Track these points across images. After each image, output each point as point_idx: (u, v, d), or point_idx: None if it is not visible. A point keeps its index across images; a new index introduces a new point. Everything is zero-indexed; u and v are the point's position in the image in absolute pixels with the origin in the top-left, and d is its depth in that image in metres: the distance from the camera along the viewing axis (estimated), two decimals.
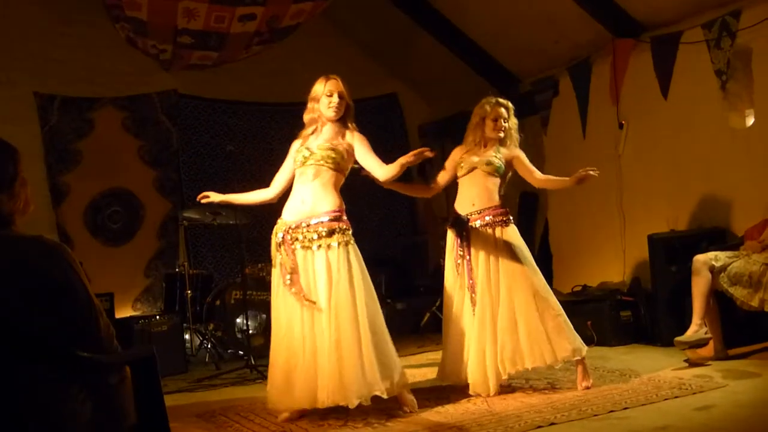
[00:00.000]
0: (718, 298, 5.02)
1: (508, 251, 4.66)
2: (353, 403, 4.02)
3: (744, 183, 5.78)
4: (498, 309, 4.58)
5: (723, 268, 4.93)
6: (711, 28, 5.85)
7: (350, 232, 4.30)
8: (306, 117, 4.51)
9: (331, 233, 4.20)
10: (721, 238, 5.79)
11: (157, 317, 6.45)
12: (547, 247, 7.78)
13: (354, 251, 4.27)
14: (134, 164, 8.04)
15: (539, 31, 7.20)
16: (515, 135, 4.93)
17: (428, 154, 4.01)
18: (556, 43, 7.22)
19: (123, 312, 7.30)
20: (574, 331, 4.61)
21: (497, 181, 4.79)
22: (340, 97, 4.40)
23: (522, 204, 7.86)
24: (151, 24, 6.37)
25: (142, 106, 8.06)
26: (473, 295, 4.65)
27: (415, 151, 4.07)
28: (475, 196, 4.76)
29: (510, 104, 4.93)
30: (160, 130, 8.15)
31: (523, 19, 7.22)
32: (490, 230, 4.68)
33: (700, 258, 5.02)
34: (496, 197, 4.76)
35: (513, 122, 4.92)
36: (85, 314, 2.15)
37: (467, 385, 4.61)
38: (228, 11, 6.23)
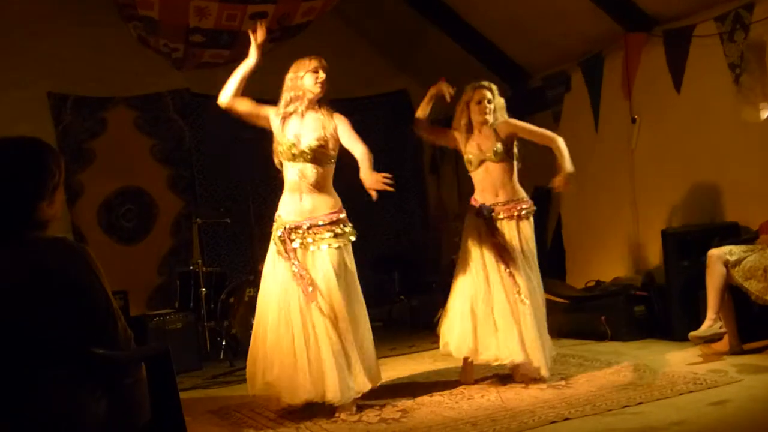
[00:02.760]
0: (732, 292, 4.99)
1: (528, 245, 4.74)
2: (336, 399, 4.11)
3: (758, 177, 5.74)
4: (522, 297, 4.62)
5: (737, 263, 4.89)
6: (724, 21, 5.82)
7: (351, 227, 4.35)
8: (286, 95, 4.43)
9: (333, 235, 4.26)
10: (735, 232, 5.75)
11: (172, 315, 6.48)
12: (560, 243, 7.76)
13: (348, 252, 4.34)
14: (147, 163, 8.07)
15: (550, 26, 7.18)
16: (503, 111, 4.92)
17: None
18: (568, 38, 7.19)
19: (137, 310, 7.33)
20: None
21: (511, 165, 4.82)
22: (326, 73, 4.38)
23: (535, 198, 7.81)
24: (163, 23, 6.40)
25: (155, 105, 8.10)
26: (508, 269, 4.63)
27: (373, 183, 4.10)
28: (498, 186, 4.79)
29: (493, 85, 4.93)
30: (173, 129, 8.18)
31: (534, 14, 7.19)
32: (514, 222, 4.73)
33: (714, 252, 4.99)
34: (519, 187, 4.82)
35: (499, 101, 4.91)
36: (102, 316, 2.17)
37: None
38: (239, 9, 6.25)
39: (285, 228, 4.30)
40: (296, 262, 4.23)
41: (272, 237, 4.41)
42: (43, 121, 7.41)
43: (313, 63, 4.37)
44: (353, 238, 4.36)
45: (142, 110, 8.05)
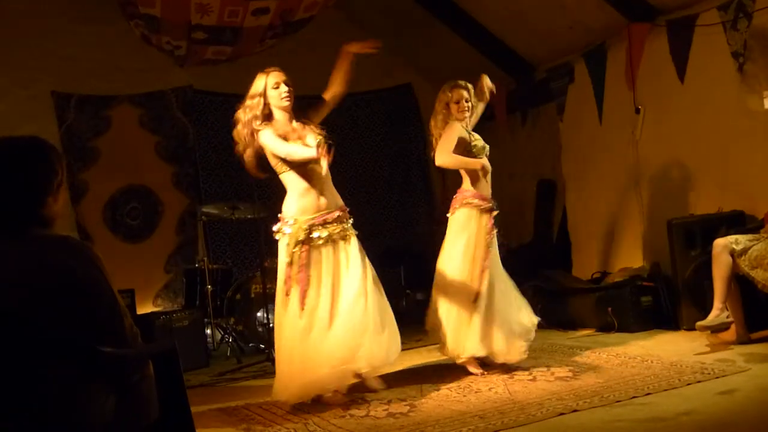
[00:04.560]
0: (739, 281, 4.98)
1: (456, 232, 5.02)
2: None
3: (763, 165, 5.73)
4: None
5: (743, 252, 4.88)
6: (727, 9, 5.80)
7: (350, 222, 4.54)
8: (246, 115, 4.52)
9: (348, 226, 4.44)
10: (740, 221, 5.74)
11: (178, 312, 6.50)
12: (565, 234, 7.75)
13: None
14: (151, 160, 8.08)
15: (553, 18, 7.16)
16: (479, 112, 5.18)
17: None
18: (571, 30, 7.17)
19: (144, 308, 7.35)
20: None
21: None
22: (287, 84, 4.47)
23: (539, 191, 7.83)
24: (164, 20, 6.39)
25: (158, 102, 8.10)
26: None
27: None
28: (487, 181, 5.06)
29: (470, 84, 5.04)
30: (177, 126, 8.19)
31: (537, 6, 7.18)
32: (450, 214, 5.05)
33: (720, 242, 4.98)
34: (465, 185, 5.07)
35: (476, 100, 5.09)
36: (108, 314, 2.17)
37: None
38: (241, 5, 6.23)
39: (306, 228, 4.43)
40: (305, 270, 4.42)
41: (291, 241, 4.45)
42: (46, 120, 7.42)
43: (271, 79, 4.53)
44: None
45: (146, 108, 8.05)
